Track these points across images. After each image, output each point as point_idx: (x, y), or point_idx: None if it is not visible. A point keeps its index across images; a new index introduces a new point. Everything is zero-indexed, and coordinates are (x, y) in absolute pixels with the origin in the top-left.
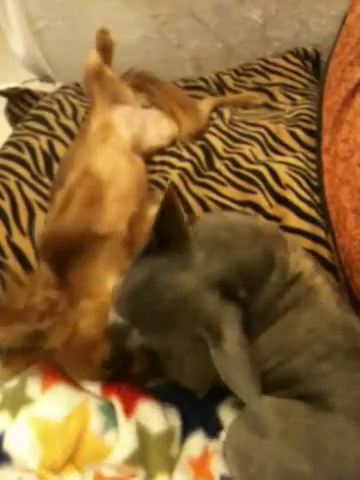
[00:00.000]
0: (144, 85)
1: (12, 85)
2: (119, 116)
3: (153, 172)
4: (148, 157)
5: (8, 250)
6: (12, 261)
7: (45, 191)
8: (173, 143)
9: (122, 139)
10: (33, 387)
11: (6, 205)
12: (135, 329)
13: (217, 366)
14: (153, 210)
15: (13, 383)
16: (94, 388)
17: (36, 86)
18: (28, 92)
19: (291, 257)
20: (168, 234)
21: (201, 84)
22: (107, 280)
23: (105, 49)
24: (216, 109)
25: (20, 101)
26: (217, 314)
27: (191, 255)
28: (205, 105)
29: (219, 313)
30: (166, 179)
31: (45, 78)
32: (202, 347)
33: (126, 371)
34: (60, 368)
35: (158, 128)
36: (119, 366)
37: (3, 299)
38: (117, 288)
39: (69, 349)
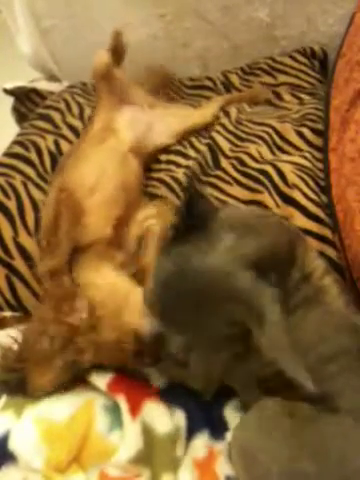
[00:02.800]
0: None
1: (19, 84)
2: (124, 116)
3: (159, 171)
4: (154, 156)
5: (15, 251)
6: (19, 262)
7: None
8: (181, 139)
9: (121, 141)
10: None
11: (12, 205)
12: (175, 337)
13: (263, 348)
14: (143, 213)
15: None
16: (100, 387)
17: (43, 85)
18: (35, 91)
19: (306, 257)
20: (194, 220)
21: (208, 83)
22: (101, 279)
23: (117, 50)
24: (223, 108)
25: (27, 100)
26: (256, 295)
27: (221, 238)
28: (213, 104)
29: (258, 293)
30: (172, 178)
31: (52, 77)
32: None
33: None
34: None
35: (165, 126)
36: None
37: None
38: (147, 288)
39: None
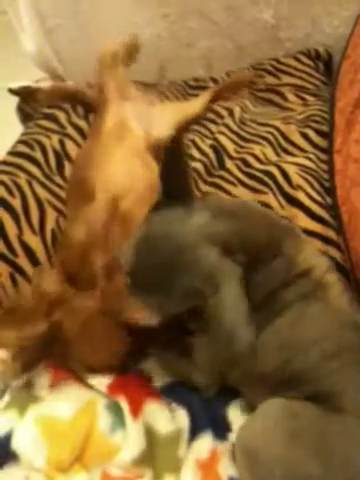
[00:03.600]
0: None
1: (23, 84)
2: (130, 112)
3: None
4: (158, 150)
5: (19, 249)
6: (23, 260)
7: (57, 190)
8: (181, 130)
9: (138, 138)
10: (41, 385)
11: (17, 203)
12: (135, 296)
13: (212, 313)
14: None
15: (21, 381)
16: (101, 387)
17: (48, 85)
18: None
19: (302, 253)
20: (173, 189)
21: (211, 85)
22: None
23: (130, 50)
24: (216, 100)
25: (31, 100)
26: (215, 268)
27: (195, 213)
28: (203, 96)
29: (217, 267)
30: None
31: (56, 77)
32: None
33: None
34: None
35: (162, 120)
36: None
37: (12, 299)
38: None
39: (85, 338)
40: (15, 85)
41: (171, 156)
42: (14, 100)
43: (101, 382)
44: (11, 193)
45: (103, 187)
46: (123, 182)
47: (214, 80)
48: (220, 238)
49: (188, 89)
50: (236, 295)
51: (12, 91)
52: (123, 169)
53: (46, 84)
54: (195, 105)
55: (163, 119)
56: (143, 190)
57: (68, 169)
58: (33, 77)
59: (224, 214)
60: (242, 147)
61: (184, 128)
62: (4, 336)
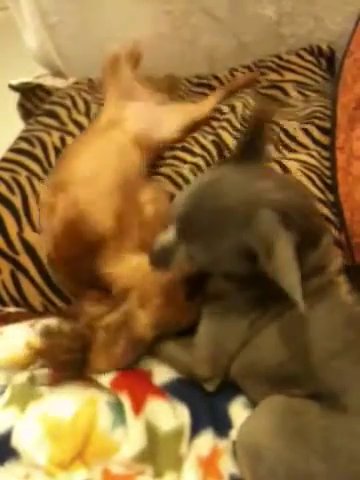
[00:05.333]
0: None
1: (25, 80)
2: (130, 110)
3: (165, 166)
4: (161, 150)
5: (19, 246)
6: (24, 257)
7: None
8: (186, 136)
9: (125, 131)
10: (42, 382)
11: (17, 200)
12: (182, 246)
13: (270, 270)
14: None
15: (22, 378)
16: (103, 383)
17: (48, 81)
18: (40, 87)
19: (325, 252)
20: (249, 151)
21: (214, 83)
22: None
23: (133, 56)
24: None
25: (32, 96)
26: (273, 232)
27: (262, 177)
28: (211, 98)
29: (276, 232)
30: (178, 173)
31: (57, 73)
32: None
33: None
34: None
35: (168, 122)
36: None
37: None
38: (182, 191)
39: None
40: (16, 81)
41: (254, 121)
42: (15, 96)
43: (104, 378)
44: (11, 190)
45: (68, 177)
46: (86, 173)
47: (217, 77)
48: (281, 207)
49: (191, 86)
50: (292, 258)
51: (13, 87)
52: (90, 165)
53: (47, 80)
54: (203, 108)
55: (169, 120)
56: (111, 181)
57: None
58: (34, 73)
59: (288, 188)
60: None
61: (192, 130)
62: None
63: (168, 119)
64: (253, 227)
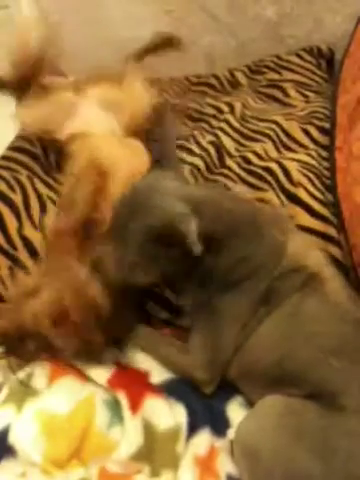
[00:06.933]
0: None
1: None
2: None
3: None
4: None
5: (19, 242)
6: (22, 253)
7: (57, 186)
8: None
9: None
10: (39, 380)
11: (18, 198)
12: (117, 252)
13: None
14: None
15: (20, 375)
16: (101, 381)
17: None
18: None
19: (293, 242)
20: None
21: (213, 82)
22: None
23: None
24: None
25: None
26: (179, 214)
27: (178, 179)
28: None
29: (181, 214)
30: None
31: (58, 72)
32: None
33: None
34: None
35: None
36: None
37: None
38: None
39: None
40: None
41: (156, 126)
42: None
43: (101, 376)
44: (12, 188)
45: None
46: (110, 164)
47: (216, 77)
48: (192, 200)
49: (190, 85)
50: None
51: None
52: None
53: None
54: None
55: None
56: (129, 171)
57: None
58: None
59: (206, 188)
60: (243, 145)
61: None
62: None
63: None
64: (159, 212)
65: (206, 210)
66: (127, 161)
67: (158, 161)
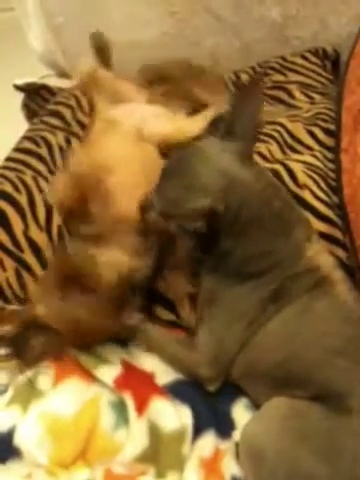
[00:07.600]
0: (158, 81)
1: (29, 80)
2: (121, 112)
3: None
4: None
5: (25, 244)
6: (28, 255)
7: None
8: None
9: (127, 129)
10: (45, 381)
11: (23, 200)
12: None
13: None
14: None
15: (25, 377)
16: (107, 380)
17: (53, 82)
18: (45, 87)
19: (311, 245)
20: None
21: None
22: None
23: (102, 51)
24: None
25: (37, 96)
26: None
27: (233, 152)
28: (203, 116)
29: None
30: None
31: (62, 74)
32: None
33: None
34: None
35: (157, 124)
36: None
37: None
38: None
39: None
40: (21, 81)
41: (242, 98)
42: (20, 96)
43: (107, 376)
44: (17, 189)
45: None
46: (112, 163)
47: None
48: (229, 175)
49: None
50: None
51: (17, 87)
52: (113, 151)
53: (51, 81)
54: (192, 127)
55: (158, 123)
56: (136, 170)
57: None
58: (39, 74)
59: (254, 173)
60: None
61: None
62: None
63: (158, 121)
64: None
65: (238, 190)
66: (132, 159)
67: (229, 130)
